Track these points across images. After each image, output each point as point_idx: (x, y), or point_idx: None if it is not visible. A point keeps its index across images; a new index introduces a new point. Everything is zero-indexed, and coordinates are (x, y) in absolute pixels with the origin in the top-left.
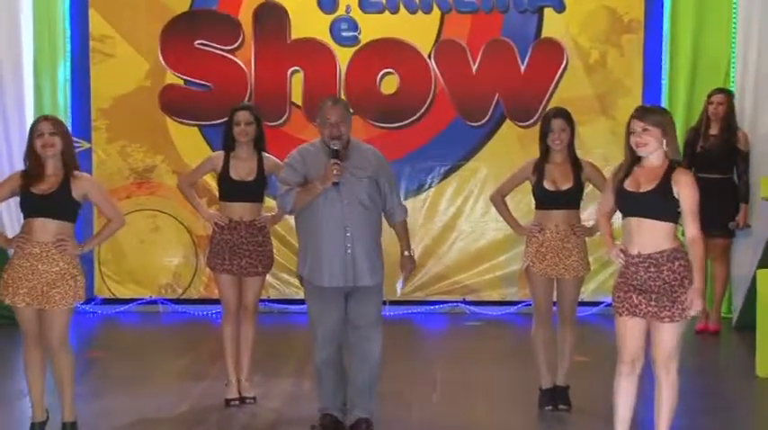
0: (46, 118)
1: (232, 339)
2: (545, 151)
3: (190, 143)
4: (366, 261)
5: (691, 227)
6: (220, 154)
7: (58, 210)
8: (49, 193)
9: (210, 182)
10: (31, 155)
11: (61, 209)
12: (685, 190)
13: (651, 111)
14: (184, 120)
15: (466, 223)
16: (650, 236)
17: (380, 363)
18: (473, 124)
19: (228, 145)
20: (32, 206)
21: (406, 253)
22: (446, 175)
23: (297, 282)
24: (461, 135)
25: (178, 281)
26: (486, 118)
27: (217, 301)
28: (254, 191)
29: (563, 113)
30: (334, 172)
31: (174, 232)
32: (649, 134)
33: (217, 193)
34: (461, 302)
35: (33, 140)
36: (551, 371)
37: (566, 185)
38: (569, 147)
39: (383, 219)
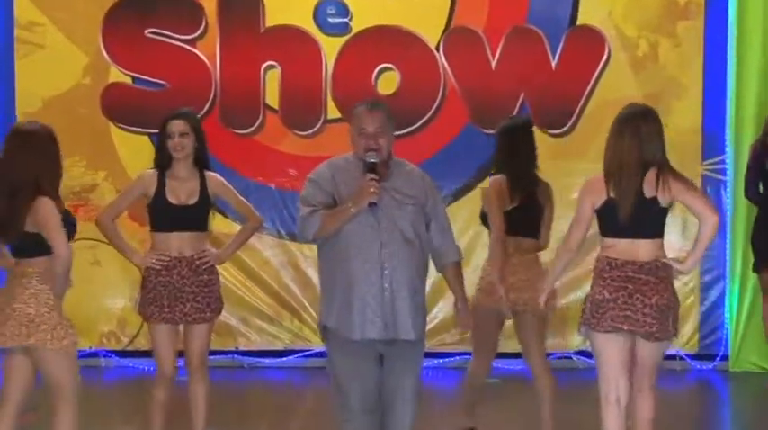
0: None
1: (163, 408)
2: None
3: (138, 156)
4: (408, 308)
5: None
6: (153, 173)
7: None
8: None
9: None
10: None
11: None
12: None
13: None
14: (132, 128)
15: (481, 255)
16: None
17: None
18: (492, 132)
19: (162, 162)
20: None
21: (461, 304)
22: (458, 196)
23: (271, 329)
24: (477, 145)
25: (123, 328)
26: None
27: None
28: (196, 217)
29: None
30: (371, 189)
31: (119, 267)
32: None
33: None
34: None
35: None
36: None
37: None
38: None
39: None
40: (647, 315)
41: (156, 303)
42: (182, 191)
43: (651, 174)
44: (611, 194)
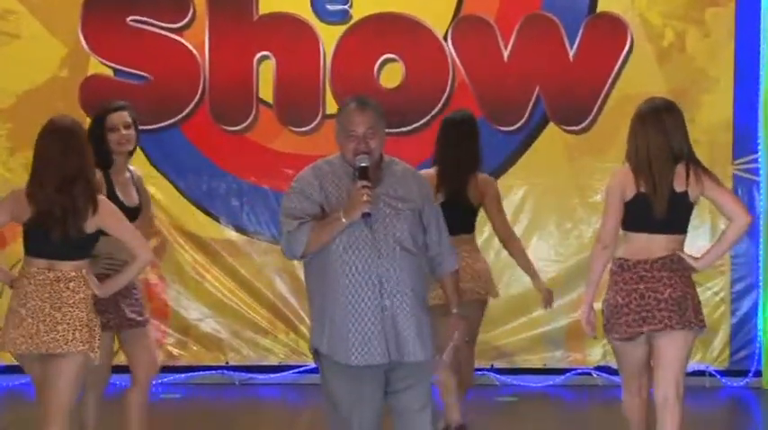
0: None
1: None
2: None
3: None
4: (413, 326)
5: None
6: (98, 173)
7: None
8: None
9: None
10: None
11: None
12: None
13: None
14: None
15: (495, 263)
16: None
17: None
18: (504, 129)
19: (107, 160)
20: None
21: (455, 310)
22: None
23: (265, 343)
24: (488, 143)
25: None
26: (523, 120)
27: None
28: (137, 218)
29: None
30: (364, 198)
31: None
32: None
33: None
34: (489, 370)
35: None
36: None
37: None
38: None
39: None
40: (662, 310)
41: (103, 310)
42: (126, 191)
43: (680, 169)
44: (642, 189)
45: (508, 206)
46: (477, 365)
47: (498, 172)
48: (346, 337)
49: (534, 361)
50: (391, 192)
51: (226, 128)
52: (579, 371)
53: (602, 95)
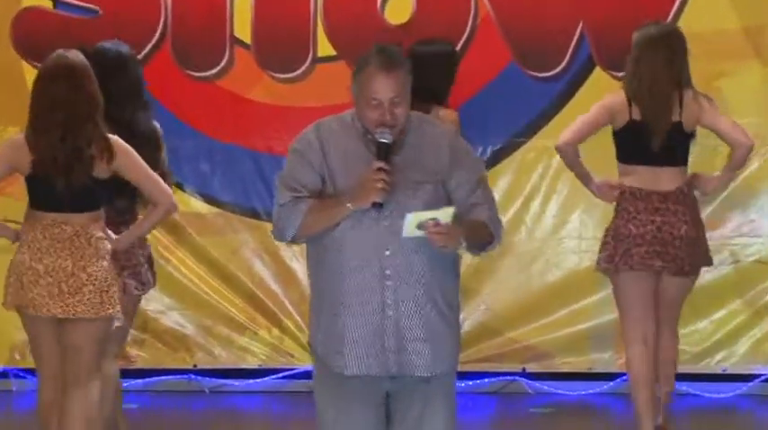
0: None
1: None
2: None
3: None
4: (421, 332)
5: None
6: None
7: None
8: None
9: None
10: None
11: None
12: None
13: None
14: None
15: (528, 242)
16: None
17: None
18: (540, 75)
19: None
20: None
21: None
22: (496, 160)
23: (242, 341)
24: (520, 93)
25: None
26: (563, 64)
27: None
28: None
29: None
30: (379, 185)
31: None
32: None
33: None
34: (520, 375)
35: None
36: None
37: None
38: None
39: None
40: (677, 247)
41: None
42: None
43: (676, 97)
44: (635, 117)
45: (546, 172)
46: (505, 369)
47: (533, 128)
48: (340, 341)
49: (577, 364)
50: (413, 160)
51: (192, 73)
52: (626, 377)
53: None
